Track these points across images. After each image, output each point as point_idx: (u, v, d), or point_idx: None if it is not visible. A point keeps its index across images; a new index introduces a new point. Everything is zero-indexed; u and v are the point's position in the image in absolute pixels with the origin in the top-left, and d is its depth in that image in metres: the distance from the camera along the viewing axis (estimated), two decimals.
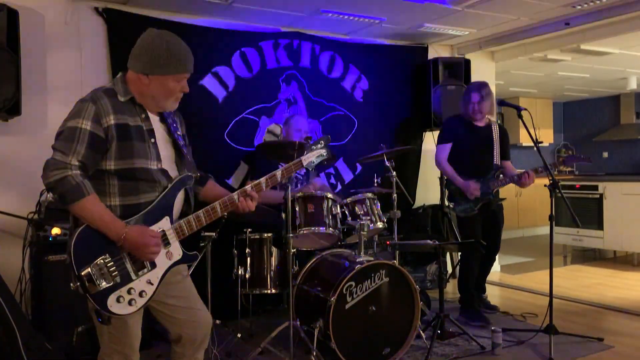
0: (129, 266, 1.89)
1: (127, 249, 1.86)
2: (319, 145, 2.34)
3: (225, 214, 2.11)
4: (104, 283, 1.83)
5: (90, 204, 1.82)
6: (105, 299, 1.83)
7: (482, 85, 4.05)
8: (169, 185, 1.99)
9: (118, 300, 1.85)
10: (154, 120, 2.03)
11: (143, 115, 1.98)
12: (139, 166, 1.92)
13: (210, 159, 4.19)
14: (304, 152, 2.37)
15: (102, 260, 1.84)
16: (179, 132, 2.12)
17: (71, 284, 1.84)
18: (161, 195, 1.96)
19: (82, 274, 1.81)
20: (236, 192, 2.10)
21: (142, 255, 1.88)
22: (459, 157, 4.09)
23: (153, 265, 1.93)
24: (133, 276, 1.89)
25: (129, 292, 1.87)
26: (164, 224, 1.96)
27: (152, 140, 1.98)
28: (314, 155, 2.32)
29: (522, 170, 4.01)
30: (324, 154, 2.35)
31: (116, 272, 1.86)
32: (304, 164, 2.28)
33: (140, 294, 1.90)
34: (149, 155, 1.95)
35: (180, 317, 2.10)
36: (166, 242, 1.96)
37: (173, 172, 2.05)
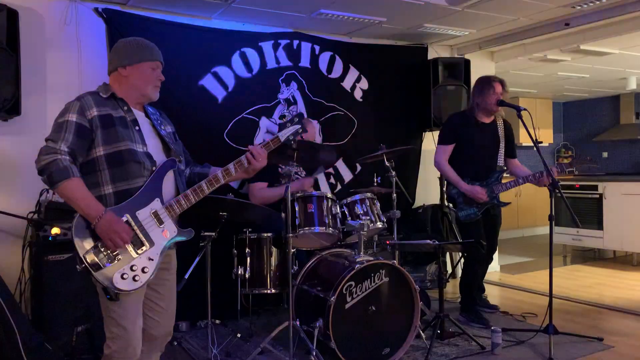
0: (128, 246, 2.03)
1: (99, 231, 1.97)
2: (294, 122, 2.46)
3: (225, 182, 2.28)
4: (106, 262, 1.99)
5: (75, 184, 1.99)
6: (110, 277, 1.98)
7: (498, 77, 3.96)
8: (156, 169, 2.15)
9: (122, 277, 2.00)
10: (138, 114, 2.21)
11: (125, 108, 2.17)
12: (125, 148, 2.09)
13: (210, 159, 4.13)
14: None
15: (102, 242, 1.99)
16: (163, 127, 2.30)
17: (77, 266, 1.97)
18: (149, 179, 2.12)
19: (86, 256, 1.97)
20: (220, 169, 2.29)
21: (108, 238, 1.97)
22: (462, 158, 3.98)
23: (151, 243, 2.09)
24: (133, 254, 2.04)
25: (132, 268, 2.02)
26: (155, 204, 2.12)
27: (137, 127, 2.16)
28: (289, 132, 2.43)
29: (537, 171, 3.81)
30: (300, 131, 2.46)
31: (117, 252, 2.01)
32: (282, 139, 2.40)
33: (143, 270, 2.05)
34: (134, 139, 2.13)
35: (149, 314, 2.24)
36: (160, 221, 2.12)
37: (162, 161, 2.21)
